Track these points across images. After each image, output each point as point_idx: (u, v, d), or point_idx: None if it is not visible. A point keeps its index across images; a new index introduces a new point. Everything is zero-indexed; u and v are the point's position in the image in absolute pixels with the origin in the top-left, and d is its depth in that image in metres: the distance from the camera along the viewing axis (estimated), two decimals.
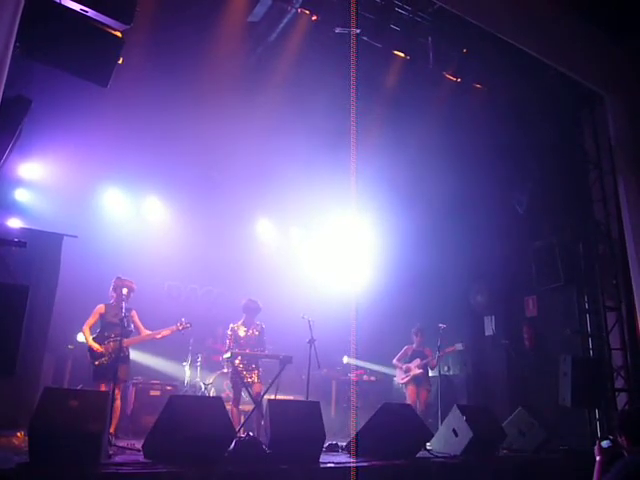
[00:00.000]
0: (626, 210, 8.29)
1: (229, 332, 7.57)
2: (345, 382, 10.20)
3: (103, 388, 6.48)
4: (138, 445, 5.45)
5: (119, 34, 5.21)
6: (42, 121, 6.20)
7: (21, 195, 8.15)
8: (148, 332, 6.96)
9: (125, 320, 6.54)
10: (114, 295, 6.85)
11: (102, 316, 6.74)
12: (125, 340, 6.63)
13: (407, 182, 10.07)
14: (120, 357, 6.48)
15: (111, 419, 6.24)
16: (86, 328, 6.68)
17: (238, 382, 7.22)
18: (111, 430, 6.30)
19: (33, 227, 7.36)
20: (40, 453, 4.15)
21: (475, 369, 10.50)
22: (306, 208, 10.74)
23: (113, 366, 6.31)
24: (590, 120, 9.34)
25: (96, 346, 6.56)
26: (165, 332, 7.05)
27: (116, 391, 6.36)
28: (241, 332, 7.55)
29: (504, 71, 8.87)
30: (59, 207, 8.18)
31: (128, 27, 5.19)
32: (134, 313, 6.95)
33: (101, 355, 6.54)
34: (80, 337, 7.99)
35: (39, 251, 7.05)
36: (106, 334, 6.68)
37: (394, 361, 9.19)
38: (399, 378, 9.11)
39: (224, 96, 8.44)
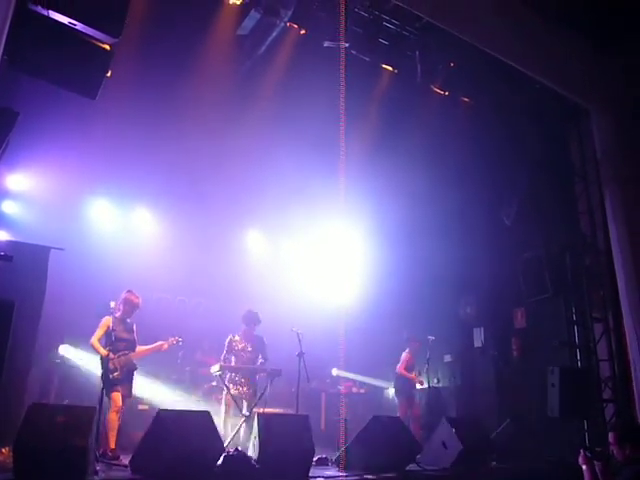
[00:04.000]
0: (612, 222, 8.37)
1: (226, 342, 7.55)
2: (335, 395, 10.16)
3: (119, 396, 6.42)
4: (125, 461, 5.39)
5: (108, 47, 5.22)
6: (30, 133, 6.15)
7: (8, 207, 8.08)
8: (143, 347, 6.91)
9: (133, 334, 6.66)
10: (121, 308, 6.75)
11: (109, 329, 6.54)
12: (132, 354, 6.65)
13: (396, 195, 10.10)
14: (131, 371, 6.59)
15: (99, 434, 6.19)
16: (95, 340, 6.48)
17: (229, 396, 7.18)
18: (112, 446, 6.24)
19: (19, 240, 7.29)
20: (25, 469, 4.10)
21: (464, 380, 10.51)
22: (296, 220, 10.73)
23: (125, 379, 6.45)
24: (576, 133, 9.45)
25: (112, 356, 6.44)
26: (165, 345, 7.03)
27: (114, 404, 6.35)
28: (238, 344, 7.53)
29: (491, 84, 8.96)
30: (46, 219, 8.09)
31: (117, 40, 5.19)
32: (134, 327, 6.96)
33: (115, 369, 6.46)
34: (62, 350, 7.89)
35: (25, 264, 6.92)
36: (115, 348, 6.54)
37: (403, 370, 9.14)
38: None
39: (213, 108, 8.46)
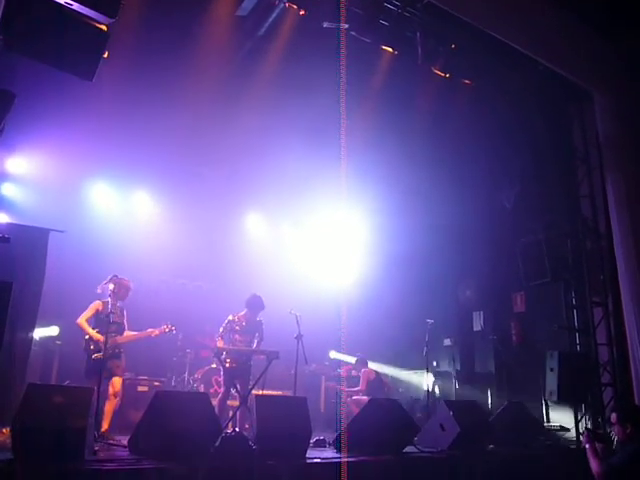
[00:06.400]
0: (613, 206, 8.34)
1: (226, 321, 7.40)
2: (334, 377, 10.21)
3: (119, 380, 6.47)
4: (124, 441, 5.43)
5: (104, 27, 5.16)
6: (27, 115, 6.11)
7: (7, 190, 8.08)
8: (132, 333, 6.92)
9: (123, 318, 6.69)
10: (113, 293, 6.75)
11: (98, 312, 6.59)
12: (119, 337, 6.65)
13: (397, 178, 10.06)
14: (115, 353, 6.55)
15: (101, 416, 6.24)
16: (83, 321, 6.50)
17: (226, 378, 7.18)
18: (104, 428, 6.26)
19: (19, 222, 7.29)
20: (24, 449, 4.12)
21: (463, 364, 10.55)
22: (296, 203, 10.72)
23: (106, 362, 6.36)
24: (579, 116, 9.38)
25: (98, 336, 6.44)
26: (156, 332, 7.02)
27: (111, 389, 6.39)
28: (236, 326, 7.37)
29: (493, 67, 8.89)
30: (46, 202, 8.10)
31: (113, 20, 5.13)
32: (125, 312, 6.96)
33: (99, 349, 6.45)
34: (42, 332, 7.83)
35: (25, 246, 6.97)
36: (106, 330, 6.51)
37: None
38: None
39: (213, 91, 8.40)
